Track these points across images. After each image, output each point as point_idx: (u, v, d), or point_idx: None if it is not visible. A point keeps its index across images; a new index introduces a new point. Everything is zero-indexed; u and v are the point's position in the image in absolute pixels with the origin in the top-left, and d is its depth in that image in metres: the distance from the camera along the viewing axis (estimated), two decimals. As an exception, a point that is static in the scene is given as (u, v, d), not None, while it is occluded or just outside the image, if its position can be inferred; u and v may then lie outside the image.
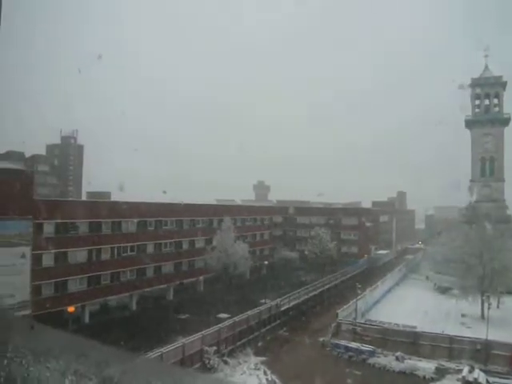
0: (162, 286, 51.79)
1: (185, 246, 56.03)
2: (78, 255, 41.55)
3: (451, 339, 38.34)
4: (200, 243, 57.95)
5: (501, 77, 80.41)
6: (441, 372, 35.35)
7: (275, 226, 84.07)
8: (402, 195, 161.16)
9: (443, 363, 36.74)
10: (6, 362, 1.12)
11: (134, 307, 47.28)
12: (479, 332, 38.76)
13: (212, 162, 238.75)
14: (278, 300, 48.11)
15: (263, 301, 48.93)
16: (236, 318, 40.40)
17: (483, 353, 36.64)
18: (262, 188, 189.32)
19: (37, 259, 36.77)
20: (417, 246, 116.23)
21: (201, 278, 57.52)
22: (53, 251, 38.65)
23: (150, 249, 50.39)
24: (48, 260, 38.41)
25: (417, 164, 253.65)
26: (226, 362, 35.55)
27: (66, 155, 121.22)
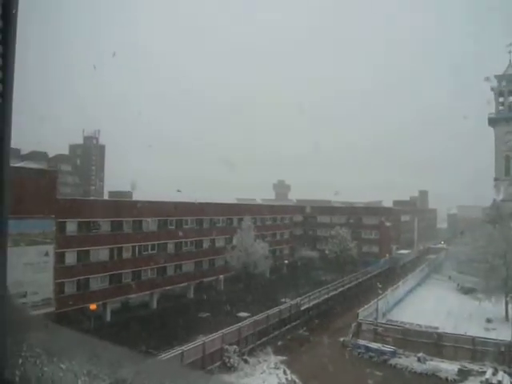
0: (182, 285, 52.18)
1: (205, 245, 56.34)
2: (100, 254, 42.15)
3: (474, 340, 37.70)
4: (220, 242, 58.21)
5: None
6: (464, 374, 34.76)
7: (295, 225, 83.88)
8: (423, 194, 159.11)
9: (466, 365, 36.07)
10: (20, 360, 1.14)
11: (155, 305, 47.69)
12: (503, 334, 38.08)
13: (230, 161, 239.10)
14: (298, 299, 48.02)
15: (283, 300, 48.89)
16: (256, 317, 40.45)
17: (507, 355, 35.96)
18: (282, 187, 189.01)
19: (60, 257, 37.43)
20: (439, 245, 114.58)
21: (221, 276, 57.73)
22: (75, 249, 39.32)
23: (171, 247, 50.81)
24: (71, 258, 39.08)
25: (438, 162, 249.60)
26: (246, 361, 35.58)
27: (89, 155, 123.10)
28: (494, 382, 30.77)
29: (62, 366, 1.05)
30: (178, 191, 58.98)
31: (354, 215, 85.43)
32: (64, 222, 38.36)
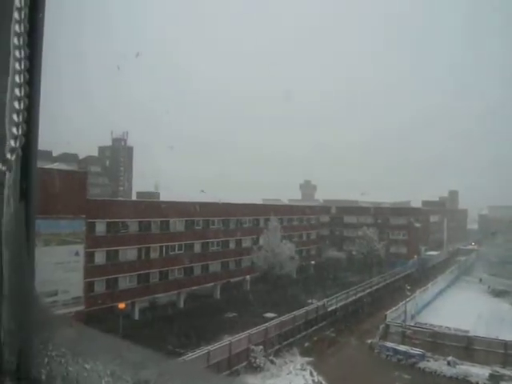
0: (209, 285, 52.47)
1: (232, 245, 56.54)
2: (128, 253, 42.76)
3: (506, 345, 36.77)
4: (247, 242, 58.33)
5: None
6: (495, 379, 33.92)
7: (322, 225, 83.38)
8: (453, 194, 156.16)
9: (498, 370, 35.24)
10: (46, 360, 1.15)
11: (182, 305, 48.09)
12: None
13: (256, 161, 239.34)
14: (325, 300, 47.74)
15: (310, 301, 48.66)
16: (282, 318, 40.39)
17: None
18: (308, 187, 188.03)
19: (89, 257, 38.12)
20: (469, 246, 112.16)
21: (247, 277, 57.81)
22: (104, 249, 40.02)
23: (198, 248, 51.18)
24: (100, 258, 39.79)
25: (469, 162, 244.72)
26: (272, 362, 35.55)
27: (117, 156, 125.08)
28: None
29: (86, 366, 1.06)
30: (202, 191, 59.41)
31: (382, 215, 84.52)
32: (94, 223, 39.07)
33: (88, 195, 42.47)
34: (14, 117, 1.24)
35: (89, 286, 37.76)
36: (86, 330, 1.31)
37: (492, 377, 34.12)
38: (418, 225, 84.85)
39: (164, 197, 52.22)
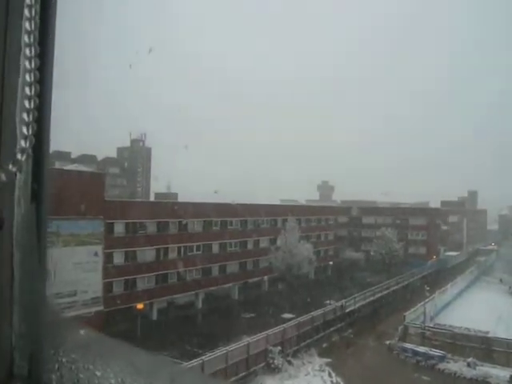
0: (226, 285, 52.53)
1: (249, 246, 56.53)
2: (147, 254, 43.03)
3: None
4: (264, 243, 58.27)
5: None
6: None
7: (340, 226, 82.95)
8: (473, 195, 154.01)
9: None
10: (57, 365, 1.12)
11: (200, 305, 48.23)
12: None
13: (276, 162, 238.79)
14: (343, 301, 47.44)
15: (328, 302, 48.41)
16: (300, 319, 40.23)
17: None
18: (325, 188, 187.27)
19: (108, 257, 38.47)
20: (489, 247, 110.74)
21: (265, 277, 57.76)
22: (123, 250, 40.35)
23: (216, 248, 51.29)
24: (118, 258, 40.13)
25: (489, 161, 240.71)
26: (290, 363, 35.43)
27: (135, 158, 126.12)
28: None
29: (97, 373, 1.03)
30: (215, 192, 59.41)
31: (400, 216, 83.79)
32: (112, 223, 39.42)
33: (106, 196, 42.90)
34: (25, 116, 1.22)
35: (108, 287, 38.08)
36: (98, 336, 1.29)
37: (513, 379, 33.59)
38: (437, 225, 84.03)
39: (185, 197, 52.37)
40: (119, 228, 40.64)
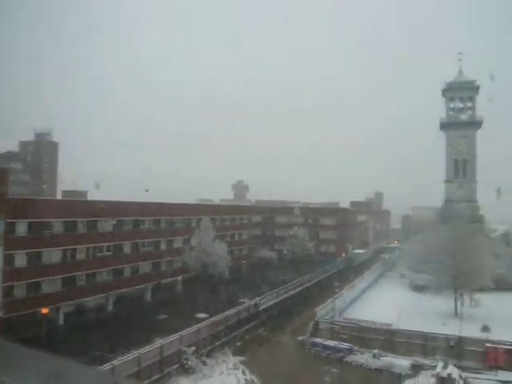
0: (139, 287, 51.13)
1: (163, 246, 55.50)
2: (53, 255, 40.65)
3: (426, 336, 38.77)
4: (178, 243, 57.50)
5: (474, 81, 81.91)
6: (416, 368, 35.74)
7: (254, 225, 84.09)
8: (379, 196, 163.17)
9: (418, 360, 37.19)
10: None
11: (111, 308, 46.58)
12: (453, 328, 39.38)
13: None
14: (257, 299, 48.10)
15: (242, 300, 48.85)
16: (214, 318, 40.18)
17: (456, 349, 37.20)
18: (240, 188, 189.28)
19: (8, 259, 35.87)
20: (393, 245, 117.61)
21: (179, 277, 57.06)
22: (25, 251, 37.77)
23: (127, 248, 49.75)
24: (20, 260, 37.47)
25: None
26: (204, 363, 35.23)
27: (40, 152, 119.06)
28: (444, 375, 31.64)
29: (5, 380, 0.93)
30: (146, 191, 57.84)
31: (312, 216, 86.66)
32: (13, 223, 36.80)
33: (8, 194, 39.92)
34: None
35: (8, 291, 35.54)
36: (3, 343, 1.15)
37: (413, 366, 35.94)
38: (345, 224, 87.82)
39: (100, 196, 50.23)
40: (22, 228, 37.95)
